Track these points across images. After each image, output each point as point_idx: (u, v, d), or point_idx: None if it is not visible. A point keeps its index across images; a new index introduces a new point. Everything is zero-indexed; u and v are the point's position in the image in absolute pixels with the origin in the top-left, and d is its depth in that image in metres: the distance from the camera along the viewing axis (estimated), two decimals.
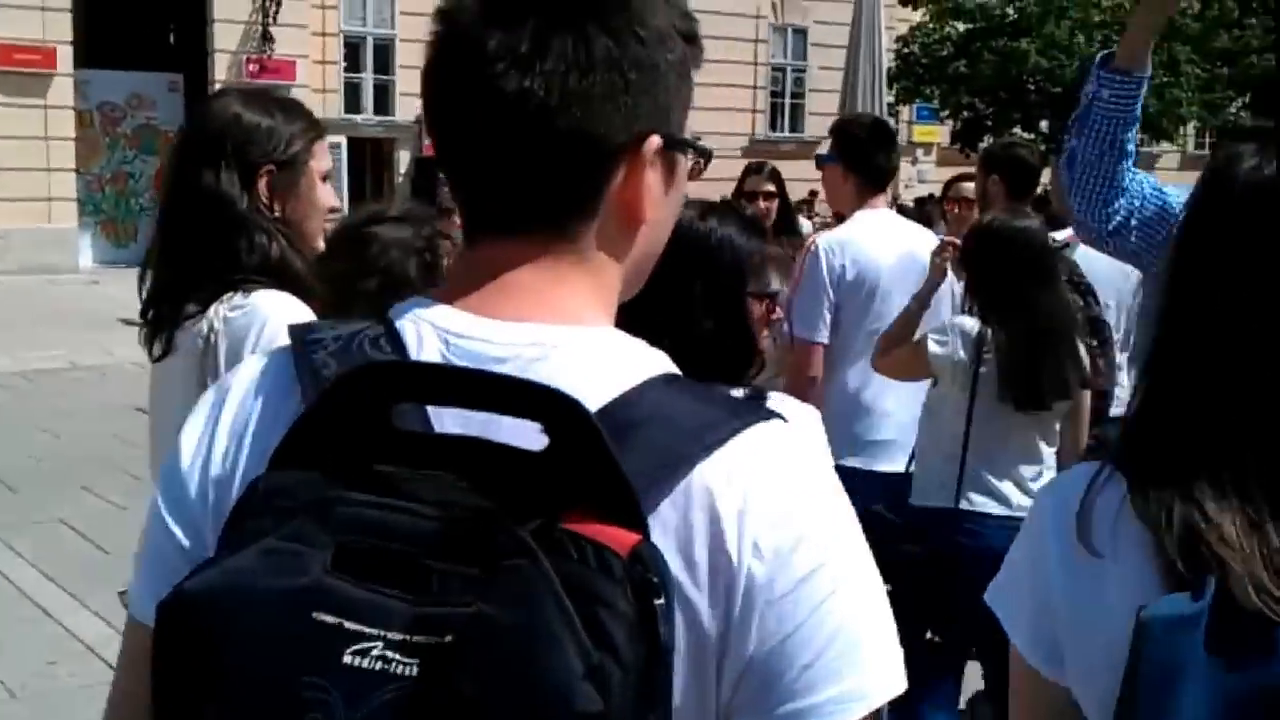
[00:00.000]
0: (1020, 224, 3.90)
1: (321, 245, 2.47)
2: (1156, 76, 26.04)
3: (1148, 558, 1.15)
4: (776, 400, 2.05)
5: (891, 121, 11.91)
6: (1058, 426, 3.88)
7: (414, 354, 1.00)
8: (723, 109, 26.88)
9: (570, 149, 1.00)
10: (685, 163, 1.10)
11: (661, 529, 0.91)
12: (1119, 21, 24.43)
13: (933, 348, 3.80)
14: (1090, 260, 4.48)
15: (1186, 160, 31.15)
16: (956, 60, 25.18)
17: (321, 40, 24.16)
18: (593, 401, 0.91)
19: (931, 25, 25.91)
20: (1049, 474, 3.79)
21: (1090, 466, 1.26)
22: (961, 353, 3.75)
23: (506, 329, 1.00)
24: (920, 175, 27.85)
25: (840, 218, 4.86)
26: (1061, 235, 4.92)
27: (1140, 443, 1.24)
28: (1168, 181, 2.70)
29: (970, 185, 6.05)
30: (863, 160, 4.54)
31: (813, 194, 19.76)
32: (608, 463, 0.86)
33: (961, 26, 25.47)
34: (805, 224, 16.81)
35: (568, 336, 1.00)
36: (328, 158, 2.53)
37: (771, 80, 28.95)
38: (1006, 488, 3.77)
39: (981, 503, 3.76)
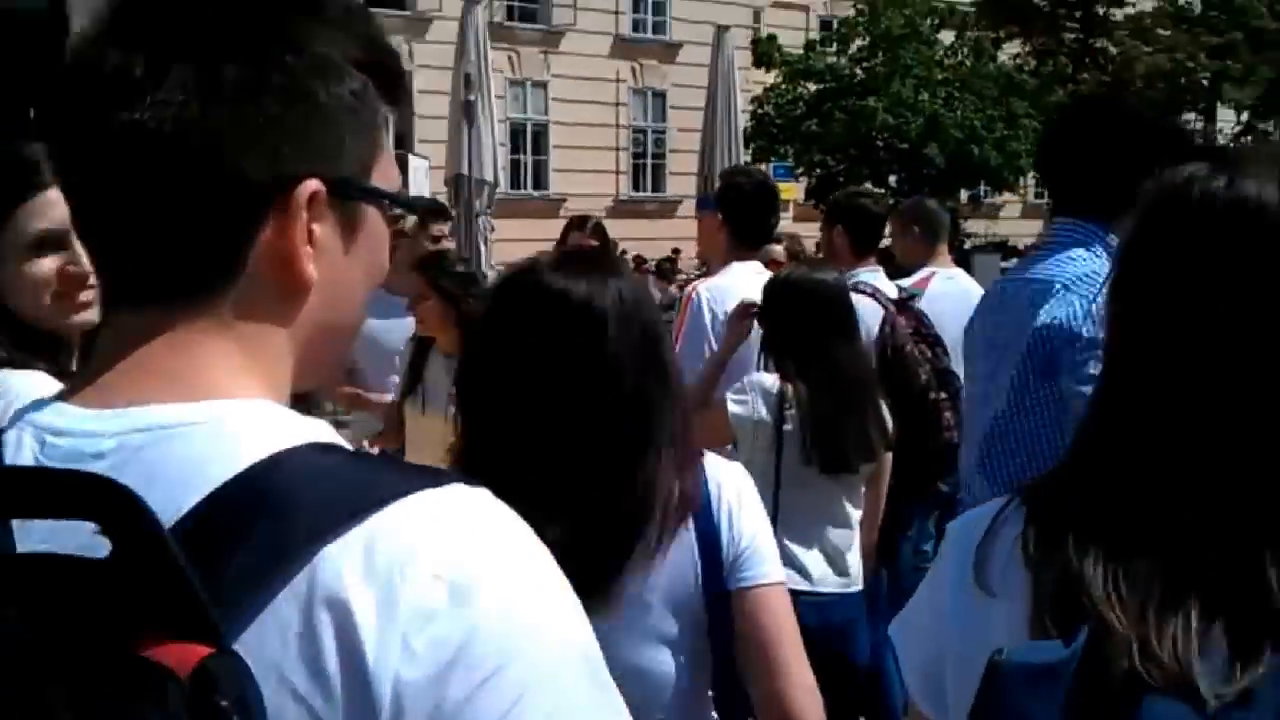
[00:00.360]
0: (817, 275, 3.84)
1: (72, 320, 2.08)
2: (997, 130, 26.87)
3: (1026, 600, 1.08)
4: (711, 460, 1.98)
5: None
6: (863, 490, 3.77)
7: (10, 461, 0.85)
8: (587, 170, 27.36)
9: (190, 193, 0.84)
10: (375, 216, 0.94)
11: (280, 634, 0.76)
12: (960, 79, 25.52)
13: (733, 407, 3.62)
14: (938, 313, 4.62)
15: (1027, 209, 32.34)
16: (809, 119, 25.89)
17: None
18: (204, 486, 0.78)
19: (784, 86, 26.61)
20: (856, 542, 3.72)
21: (1002, 499, 1.19)
22: (763, 411, 3.58)
23: (117, 418, 0.84)
24: (778, 232, 28.45)
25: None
26: (908, 283, 5.08)
27: (1060, 478, 1.15)
28: (1011, 227, 2.82)
29: (779, 248, 6.22)
30: (740, 217, 4.59)
31: (676, 251, 20.11)
32: (167, 562, 0.72)
33: (813, 87, 26.23)
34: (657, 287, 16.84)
35: (194, 414, 0.83)
36: (43, 218, 2.01)
37: (633, 141, 29.55)
38: (813, 559, 3.61)
39: (787, 576, 3.40)
